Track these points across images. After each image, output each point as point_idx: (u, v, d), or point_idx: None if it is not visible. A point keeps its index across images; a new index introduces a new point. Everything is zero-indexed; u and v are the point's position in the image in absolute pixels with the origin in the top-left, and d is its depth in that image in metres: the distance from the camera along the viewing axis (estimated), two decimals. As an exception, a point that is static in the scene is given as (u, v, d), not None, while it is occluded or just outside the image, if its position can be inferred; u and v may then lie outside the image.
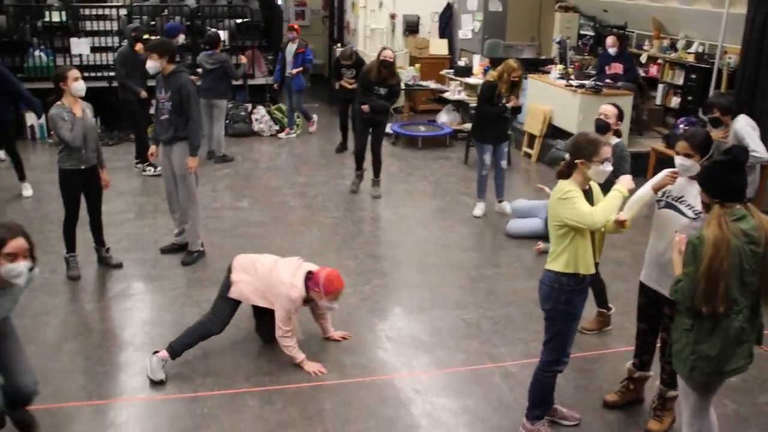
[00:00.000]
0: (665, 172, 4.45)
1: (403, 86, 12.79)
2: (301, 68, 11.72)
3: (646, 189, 4.51)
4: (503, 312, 6.29)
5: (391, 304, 6.36)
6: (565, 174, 4.26)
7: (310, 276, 5.21)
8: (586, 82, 10.67)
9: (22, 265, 3.61)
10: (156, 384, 5.06)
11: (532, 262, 7.30)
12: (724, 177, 3.74)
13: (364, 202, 9.00)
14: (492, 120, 8.32)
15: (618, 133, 6.00)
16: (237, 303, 5.37)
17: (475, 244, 7.86)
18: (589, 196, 4.26)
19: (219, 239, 7.70)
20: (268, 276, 5.26)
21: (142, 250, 7.25)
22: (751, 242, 3.64)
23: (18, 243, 3.57)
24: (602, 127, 5.94)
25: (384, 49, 9.11)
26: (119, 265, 6.90)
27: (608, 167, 4.19)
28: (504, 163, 8.61)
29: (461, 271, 7.10)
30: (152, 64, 6.72)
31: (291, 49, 11.82)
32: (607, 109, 5.97)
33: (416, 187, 9.53)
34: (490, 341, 5.80)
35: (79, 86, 6.36)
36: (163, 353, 5.20)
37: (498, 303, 6.45)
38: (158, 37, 10.10)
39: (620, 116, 5.98)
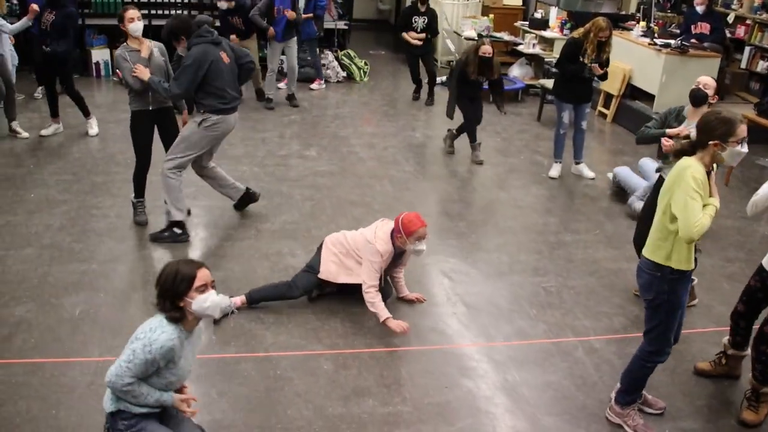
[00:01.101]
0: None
1: (475, 37, 12.41)
2: (311, 14, 10.71)
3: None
4: (584, 282, 6.00)
5: (468, 267, 6.09)
6: (689, 152, 3.89)
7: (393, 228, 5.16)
8: (671, 41, 10.13)
9: (213, 293, 3.40)
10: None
11: (613, 230, 6.97)
12: None
13: (436, 157, 8.70)
14: (572, 79, 7.91)
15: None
16: (321, 281, 5.34)
17: (551, 207, 7.53)
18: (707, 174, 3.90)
19: (287, 188, 7.49)
20: (356, 240, 5.26)
21: (208, 197, 7.05)
22: None
23: (205, 273, 3.38)
24: (701, 97, 5.59)
25: (482, 43, 8.44)
26: (188, 212, 6.75)
27: (745, 148, 3.81)
28: (584, 125, 8.20)
29: (539, 235, 6.81)
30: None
31: None
32: (707, 81, 5.61)
33: (488, 143, 9.16)
34: (571, 313, 5.52)
35: (135, 27, 6.13)
36: (240, 299, 5.25)
37: (578, 272, 6.16)
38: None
39: (718, 90, 5.59)
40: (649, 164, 7.50)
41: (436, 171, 8.31)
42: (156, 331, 3.29)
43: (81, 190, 7.19)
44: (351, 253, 5.25)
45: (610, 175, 8.04)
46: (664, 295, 3.99)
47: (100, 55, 11.67)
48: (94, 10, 11.63)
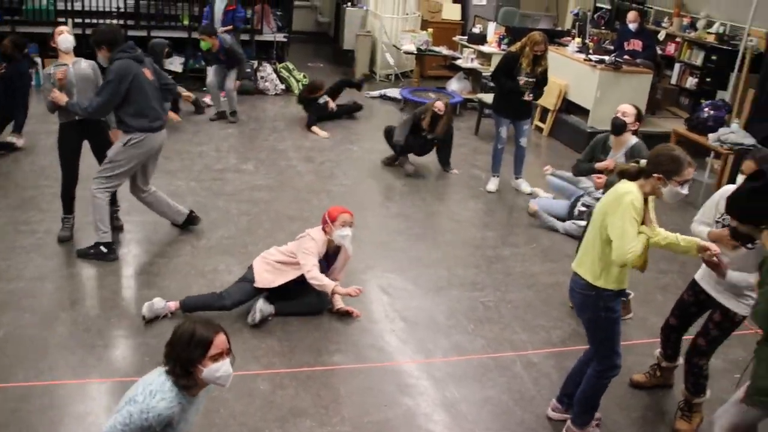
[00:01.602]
0: (726, 233, 3.95)
1: (414, 51, 12.47)
2: (230, 26, 10.79)
3: (696, 239, 4.00)
4: (522, 296, 6.03)
5: (406, 282, 6.06)
6: (631, 176, 3.89)
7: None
8: (606, 57, 10.32)
9: (228, 363, 3.20)
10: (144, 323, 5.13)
11: (550, 243, 7.04)
12: (765, 201, 3.52)
13: (374, 171, 8.65)
14: (511, 94, 7.96)
15: (637, 134, 5.71)
16: (257, 290, 5.36)
17: (489, 221, 7.57)
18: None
19: (224, 203, 7.37)
20: (288, 246, 5.51)
21: (142, 213, 6.85)
22: None
23: (221, 339, 3.15)
24: (618, 125, 5.71)
25: (438, 98, 8.74)
26: (120, 228, 6.58)
27: (685, 190, 3.82)
28: (524, 141, 8.25)
29: (477, 249, 6.83)
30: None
31: (220, 5, 10.91)
32: (626, 109, 5.69)
33: (426, 157, 9.17)
34: (510, 327, 5.54)
35: (63, 39, 6.05)
36: (174, 304, 5.26)
37: (516, 286, 6.19)
38: None
39: (639, 116, 5.69)
40: (555, 181, 7.69)
41: (374, 185, 8.28)
42: (155, 397, 3.08)
43: (9, 205, 6.95)
44: (284, 258, 5.39)
45: (524, 186, 8.27)
46: (601, 312, 4.01)
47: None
48: (25, 17, 11.31)
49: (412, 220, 7.37)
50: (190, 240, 6.52)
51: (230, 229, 6.82)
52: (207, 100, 10.70)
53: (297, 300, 5.40)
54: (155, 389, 3.11)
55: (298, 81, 12.07)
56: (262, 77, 11.82)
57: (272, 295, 5.38)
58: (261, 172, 8.35)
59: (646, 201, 3.90)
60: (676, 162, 3.78)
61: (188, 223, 6.72)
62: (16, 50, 8.17)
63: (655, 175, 3.79)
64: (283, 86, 11.98)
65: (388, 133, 8.82)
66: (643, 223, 3.85)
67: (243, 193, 7.68)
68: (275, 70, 12.02)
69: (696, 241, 3.95)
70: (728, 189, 4.17)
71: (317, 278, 5.20)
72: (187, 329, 3.14)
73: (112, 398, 4.35)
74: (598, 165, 5.72)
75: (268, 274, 5.38)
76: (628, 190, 3.81)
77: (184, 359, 3.11)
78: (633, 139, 5.65)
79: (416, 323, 5.48)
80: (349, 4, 14.50)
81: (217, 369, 3.13)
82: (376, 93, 12.28)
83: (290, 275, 5.36)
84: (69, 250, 6.19)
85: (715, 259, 3.93)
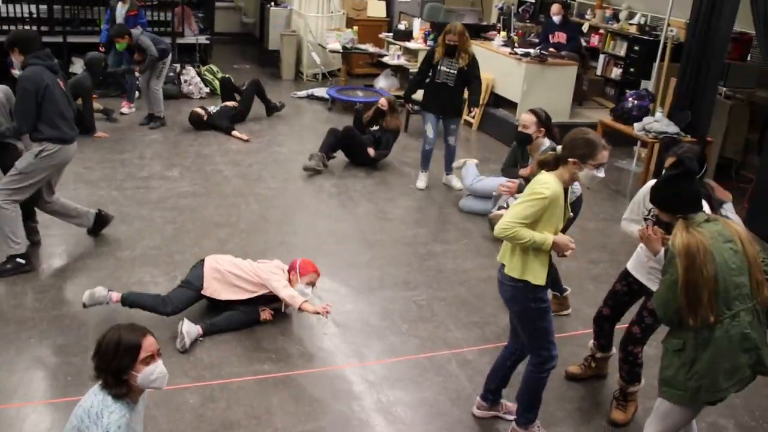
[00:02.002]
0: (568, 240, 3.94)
1: (340, 49, 12.36)
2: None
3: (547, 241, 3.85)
4: (454, 293, 5.99)
5: (338, 285, 5.95)
6: (551, 165, 3.88)
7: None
8: (531, 50, 10.38)
9: (161, 365, 3.12)
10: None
11: (481, 239, 7.02)
12: (681, 189, 3.50)
13: (302, 173, 8.48)
14: (437, 90, 7.91)
15: (554, 137, 5.67)
16: (199, 296, 5.26)
17: (420, 218, 7.51)
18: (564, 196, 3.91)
19: (148, 212, 7.14)
20: (252, 265, 5.37)
21: (61, 226, 6.58)
22: (726, 240, 3.39)
23: (150, 341, 3.09)
24: (523, 140, 5.74)
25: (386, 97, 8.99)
26: (38, 243, 6.32)
27: (601, 173, 3.84)
28: (452, 140, 8.20)
29: (408, 247, 6.76)
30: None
31: (121, 11, 10.55)
32: (524, 119, 5.68)
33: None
34: (443, 325, 5.49)
35: None
36: (117, 296, 5.17)
37: (449, 283, 6.15)
38: None
39: (542, 121, 5.64)
40: (485, 182, 7.65)
41: (303, 187, 8.13)
42: (104, 416, 2.97)
43: None
44: (242, 274, 5.25)
45: (455, 182, 8.30)
46: (530, 303, 3.97)
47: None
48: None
49: (342, 221, 7.26)
50: (113, 252, 6.29)
51: (155, 238, 6.61)
52: (125, 109, 10.38)
53: (224, 315, 5.23)
54: (99, 410, 3.00)
55: (223, 83, 11.83)
56: (185, 81, 11.55)
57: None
58: (187, 179, 8.13)
59: (566, 193, 3.90)
60: (590, 145, 3.79)
61: (102, 225, 6.50)
62: None
63: (570, 159, 3.79)
64: (207, 89, 11.72)
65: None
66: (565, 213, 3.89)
67: (168, 201, 7.46)
68: (199, 74, 11.76)
69: (550, 237, 3.84)
70: (652, 185, 4.18)
71: (290, 293, 5.06)
72: (113, 337, 3.05)
73: (31, 424, 4.15)
74: (522, 172, 5.79)
75: (218, 284, 5.23)
76: (545, 180, 3.80)
77: (115, 368, 3.02)
78: (546, 143, 5.64)
79: (349, 326, 5.39)
80: (273, 3, 14.33)
81: (151, 372, 3.08)
82: (303, 93, 12.13)
83: (241, 294, 5.24)
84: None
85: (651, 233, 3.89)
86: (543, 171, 3.89)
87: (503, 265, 4.00)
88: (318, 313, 4.97)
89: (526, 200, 3.78)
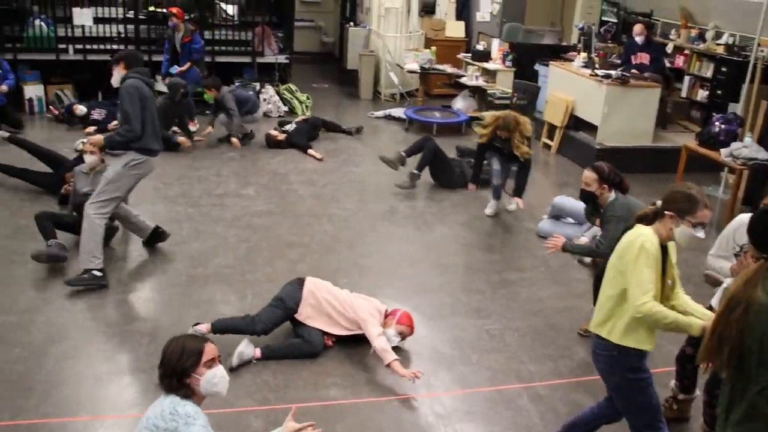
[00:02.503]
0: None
1: (418, 69, 12.32)
2: (188, 64, 10.74)
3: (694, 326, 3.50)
4: (528, 323, 5.80)
5: (408, 310, 5.78)
6: (648, 219, 3.62)
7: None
8: (612, 72, 10.12)
9: (222, 369, 3.25)
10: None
11: (558, 267, 6.80)
12: None
13: (377, 194, 8.45)
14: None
15: (622, 189, 5.36)
16: (291, 318, 5.24)
17: (495, 243, 7.34)
18: (664, 254, 3.60)
19: (222, 229, 7.20)
20: (351, 298, 5.29)
21: (137, 241, 6.73)
22: None
23: (212, 347, 3.24)
24: (585, 197, 5.47)
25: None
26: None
27: (701, 233, 3.52)
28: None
29: (481, 274, 6.60)
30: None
31: (177, 38, 10.83)
32: (586, 176, 5.38)
33: (430, 177, 8.97)
34: (516, 357, 5.31)
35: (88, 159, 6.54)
36: (205, 326, 5.10)
37: (522, 312, 5.96)
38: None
39: (604, 178, 5.32)
40: (564, 201, 7.47)
41: (377, 208, 8.07)
42: (179, 410, 3.08)
43: (2, 234, 6.82)
44: (341, 309, 5.18)
45: (512, 206, 8.02)
46: (628, 374, 3.67)
47: (33, 91, 11.25)
48: (27, 45, 11.26)
49: (415, 244, 7.16)
50: (186, 269, 6.34)
51: (228, 257, 6.64)
52: (191, 126, 10.51)
53: (286, 343, 5.18)
54: (172, 408, 3.10)
55: (301, 102, 11.94)
56: (264, 99, 11.68)
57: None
58: (262, 197, 8.18)
59: (665, 251, 3.61)
60: (690, 200, 3.51)
61: (155, 240, 6.61)
62: None
63: (667, 213, 3.53)
64: (286, 108, 11.84)
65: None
66: (664, 274, 3.58)
67: (243, 219, 7.51)
68: (278, 92, 11.88)
69: (698, 322, 3.49)
70: (743, 219, 3.93)
71: (384, 347, 4.91)
72: (177, 344, 3.20)
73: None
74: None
75: (312, 310, 5.19)
76: (640, 233, 3.54)
77: (180, 371, 3.13)
78: (611, 196, 5.39)
79: (418, 354, 5.26)
80: (352, 23, 14.41)
81: (214, 375, 3.18)
82: (380, 113, 12.12)
83: (335, 329, 5.21)
84: (62, 281, 6.02)
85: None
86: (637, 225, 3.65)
87: (596, 335, 3.72)
88: (405, 376, 4.80)
89: (637, 263, 3.46)
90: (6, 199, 7.69)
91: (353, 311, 5.16)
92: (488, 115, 7.46)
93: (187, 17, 11.01)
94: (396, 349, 5.08)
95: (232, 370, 4.87)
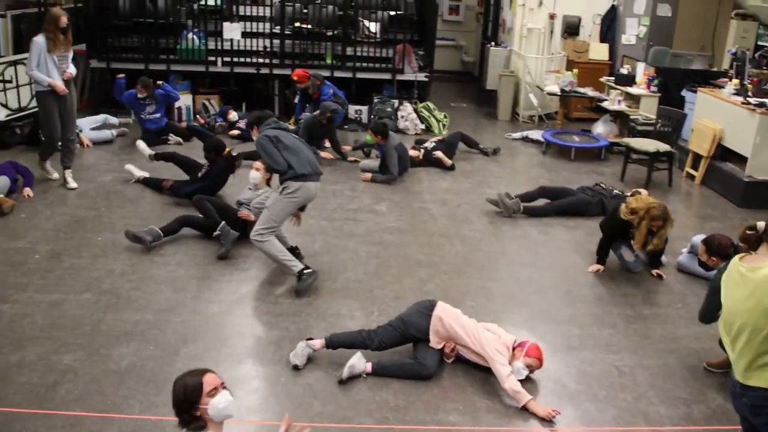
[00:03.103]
0: None
1: (558, 92, 12.10)
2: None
3: None
4: (662, 362, 5.53)
5: (535, 339, 5.63)
6: (751, 244, 3.38)
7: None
8: (767, 100, 9.58)
9: (226, 394, 3.47)
10: (292, 369, 5.07)
11: (697, 304, 6.41)
12: None
13: (510, 218, 8.32)
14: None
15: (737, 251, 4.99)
16: (410, 341, 5.25)
17: (631, 276, 7.02)
18: None
19: (354, 245, 7.29)
20: (477, 334, 5.15)
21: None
22: None
23: (211, 377, 3.46)
24: (700, 263, 5.66)
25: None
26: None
27: None
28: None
29: (614, 307, 6.35)
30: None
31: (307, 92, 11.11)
32: (700, 248, 5.58)
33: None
34: (645, 397, 5.07)
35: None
36: (319, 342, 5.17)
37: (656, 350, 5.69)
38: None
39: (713, 250, 5.50)
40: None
41: (509, 231, 7.95)
42: None
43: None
44: (465, 337, 5.12)
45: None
46: None
47: (182, 100, 11.84)
48: (179, 56, 11.86)
49: (546, 271, 6.99)
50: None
51: (357, 272, 6.71)
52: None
53: (398, 361, 5.17)
54: None
55: (438, 121, 11.97)
56: (402, 116, 11.79)
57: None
58: (394, 214, 8.24)
59: None
60: None
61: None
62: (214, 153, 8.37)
63: None
64: (423, 126, 11.90)
65: None
66: None
67: (374, 235, 7.58)
68: (415, 110, 11.96)
69: None
70: None
71: (515, 388, 4.83)
72: (179, 385, 3.41)
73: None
74: None
75: (436, 337, 5.17)
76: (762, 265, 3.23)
77: (186, 406, 3.37)
78: (722, 265, 5.14)
79: (542, 386, 5.12)
80: (493, 43, 14.33)
81: (218, 401, 3.38)
82: (517, 134, 11.99)
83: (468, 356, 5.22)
84: (198, 284, 6.28)
85: None
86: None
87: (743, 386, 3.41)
88: (543, 416, 4.71)
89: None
90: (151, 203, 8.09)
91: (480, 346, 5.07)
92: (639, 201, 6.73)
93: (309, 78, 10.92)
94: (523, 381, 4.97)
95: (341, 383, 4.94)
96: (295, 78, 10.87)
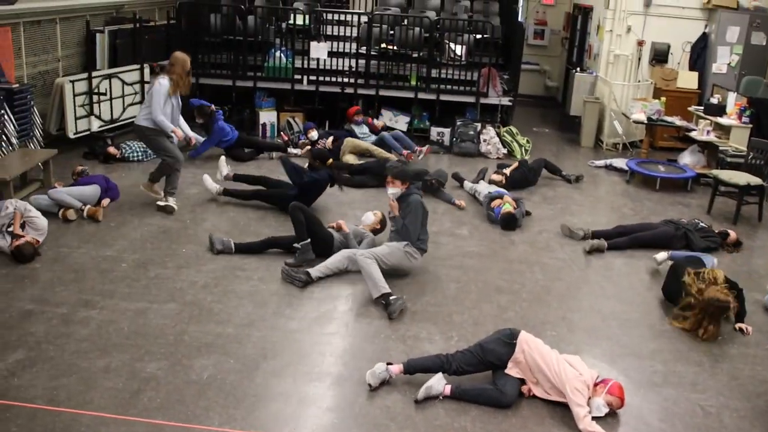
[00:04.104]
0: None
1: (644, 120, 11.88)
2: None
3: None
4: (750, 405, 5.33)
5: (616, 374, 5.54)
6: None
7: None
8: None
9: None
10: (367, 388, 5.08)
11: (788, 347, 6.25)
12: None
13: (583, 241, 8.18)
14: None
15: None
16: (487, 369, 5.27)
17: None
18: None
19: (434, 267, 7.28)
20: (558, 367, 5.08)
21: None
22: None
23: None
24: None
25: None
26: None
27: None
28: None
29: (701, 345, 6.15)
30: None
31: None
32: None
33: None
34: (732, 440, 4.91)
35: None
36: (398, 367, 5.16)
37: (744, 392, 5.50)
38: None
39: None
40: None
41: (591, 261, 7.82)
42: None
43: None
44: (546, 370, 5.06)
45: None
46: None
47: (267, 116, 12.12)
48: (266, 74, 12.10)
49: (629, 305, 6.83)
50: (395, 303, 6.46)
51: (437, 295, 6.70)
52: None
53: (479, 387, 5.13)
54: None
55: (521, 146, 11.88)
56: (484, 140, 11.75)
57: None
58: (475, 238, 8.20)
59: None
60: None
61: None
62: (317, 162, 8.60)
63: None
64: (505, 150, 11.83)
65: None
66: None
67: (454, 259, 7.56)
68: (498, 134, 11.90)
69: None
70: None
71: (590, 428, 4.77)
72: None
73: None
74: None
75: (519, 368, 5.15)
76: None
77: None
78: None
79: (624, 423, 5.00)
80: (579, 69, 14.18)
81: None
82: (601, 162, 11.81)
83: (537, 391, 5.14)
84: (279, 299, 6.37)
85: None
86: None
87: None
88: None
89: None
90: (234, 217, 8.25)
91: (560, 381, 4.99)
92: (708, 287, 6.31)
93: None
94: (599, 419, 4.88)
95: (417, 403, 4.94)
96: (349, 114, 11.47)
